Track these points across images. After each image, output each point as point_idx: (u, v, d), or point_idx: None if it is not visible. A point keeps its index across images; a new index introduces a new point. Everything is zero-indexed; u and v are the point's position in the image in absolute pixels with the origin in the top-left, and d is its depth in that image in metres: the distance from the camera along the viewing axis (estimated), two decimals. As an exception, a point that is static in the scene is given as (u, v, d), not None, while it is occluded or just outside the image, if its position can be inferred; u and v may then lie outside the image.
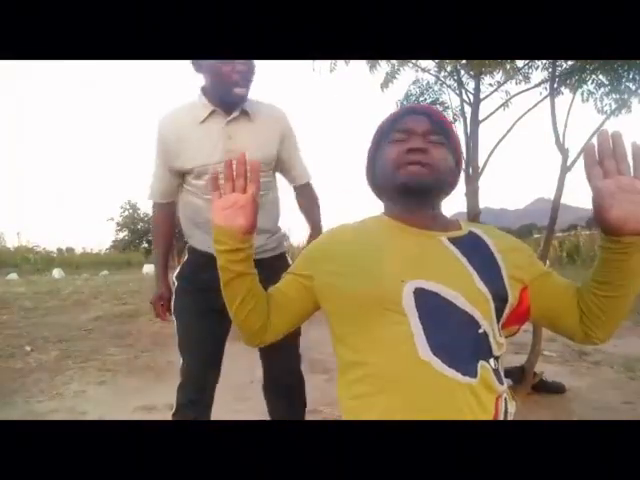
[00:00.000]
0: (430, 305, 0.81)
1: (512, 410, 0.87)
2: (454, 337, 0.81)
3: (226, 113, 1.55)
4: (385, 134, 0.98)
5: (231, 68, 1.45)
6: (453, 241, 0.90)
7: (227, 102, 1.54)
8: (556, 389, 2.91)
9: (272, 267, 1.42)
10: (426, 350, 0.79)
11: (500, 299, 0.85)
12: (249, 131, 1.58)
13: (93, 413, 2.69)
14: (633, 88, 3.11)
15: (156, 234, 1.81)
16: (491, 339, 0.84)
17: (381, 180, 0.98)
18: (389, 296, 0.83)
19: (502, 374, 0.88)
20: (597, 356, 3.52)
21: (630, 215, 0.76)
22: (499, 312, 0.85)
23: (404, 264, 0.86)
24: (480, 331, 0.82)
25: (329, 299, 0.92)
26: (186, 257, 1.71)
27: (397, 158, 0.91)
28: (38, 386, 3.17)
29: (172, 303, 1.69)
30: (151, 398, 2.89)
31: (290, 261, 1.68)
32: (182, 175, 1.62)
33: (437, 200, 0.97)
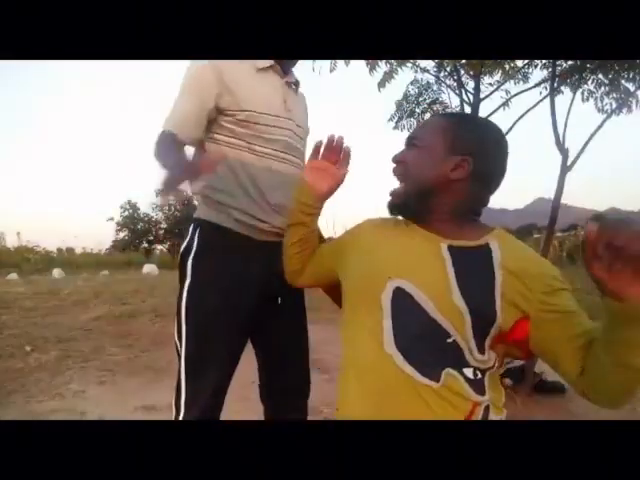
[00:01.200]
0: (403, 305, 0.86)
1: (496, 419, 0.86)
2: (419, 340, 0.84)
3: (281, 74, 1.44)
4: None
5: None
6: (453, 250, 0.88)
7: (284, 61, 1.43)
8: (556, 389, 2.92)
9: None
10: (391, 344, 0.85)
11: (483, 317, 0.82)
12: (297, 102, 1.51)
13: (93, 413, 2.69)
14: (632, 89, 3.11)
15: (164, 151, 1.27)
16: (465, 352, 0.84)
17: None
18: (373, 290, 0.90)
19: (487, 385, 0.86)
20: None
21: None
22: (482, 330, 0.83)
23: (396, 262, 0.91)
24: (449, 340, 0.83)
25: (343, 280, 1.03)
26: (200, 238, 1.38)
27: None
28: (38, 386, 3.17)
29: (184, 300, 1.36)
30: (151, 398, 2.89)
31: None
32: (220, 118, 1.35)
33: (442, 205, 0.93)
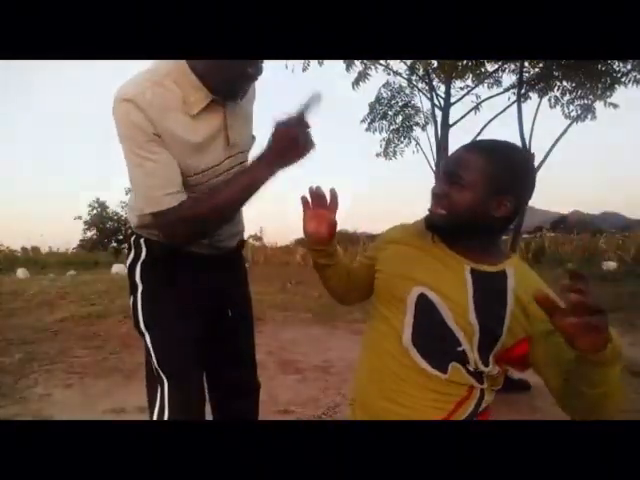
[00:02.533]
0: (425, 309, 0.99)
1: (489, 399, 1.02)
2: (433, 339, 0.98)
3: (225, 100, 1.25)
4: None
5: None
6: (474, 273, 0.98)
7: (235, 87, 1.24)
8: (521, 387, 3.00)
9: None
10: (408, 339, 1.00)
11: (491, 335, 0.95)
12: (242, 115, 1.35)
13: (60, 417, 2.62)
14: (598, 93, 3.23)
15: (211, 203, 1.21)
16: (471, 361, 0.97)
17: None
18: (400, 289, 1.03)
19: (485, 377, 1.00)
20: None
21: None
22: (488, 346, 0.96)
23: (425, 273, 1.02)
24: (459, 349, 0.97)
25: (377, 274, 1.13)
26: (147, 249, 1.38)
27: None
28: (1, 390, 3.07)
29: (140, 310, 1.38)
30: (120, 401, 2.84)
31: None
32: None
33: (476, 233, 1.01)
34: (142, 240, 1.39)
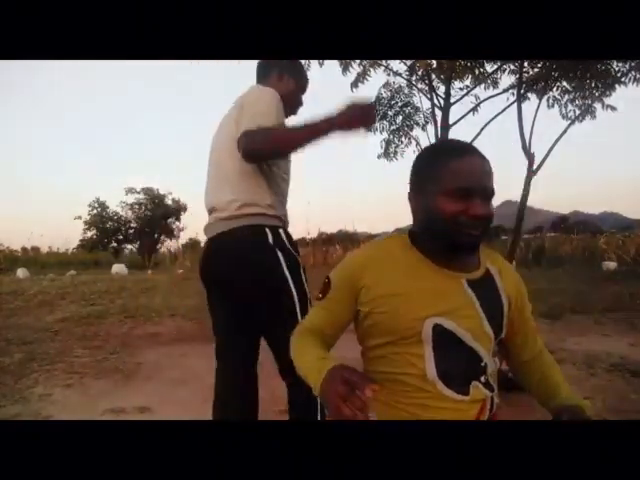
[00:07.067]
0: (444, 339, 0.95)
1: (498, 401, 1.03)
2: (457, 366, 0.96)
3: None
4: (435, 177, 0.95)
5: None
6: (471, 283, 0.99)
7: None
8: (521, 386, 3.00)
9: None
10: (432, 372, 0.94)
11: (497, 336, 1.00)
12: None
13: (59, 417, 2.62)
14: (596, 94, 3.23)
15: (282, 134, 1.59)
16: (488, 367, 0.99)
17: (429, 224, 0.98)
18: (412, 330, 0.95)
19: (491, 382, 1.01)
20: (560, 354, 3.64)
21: None
22: (494, 345, 1.01)
23: (427, 301, 0.96)
24: (482, 364, 0.98)
25: (362, 317, 1.02)
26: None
27: (455, 218, 0.92)
28: (0, 390, 3.07)
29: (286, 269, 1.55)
30: (120, 401, 2.83)
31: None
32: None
33: None
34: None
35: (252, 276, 1.55)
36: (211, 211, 1.66)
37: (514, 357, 1.13)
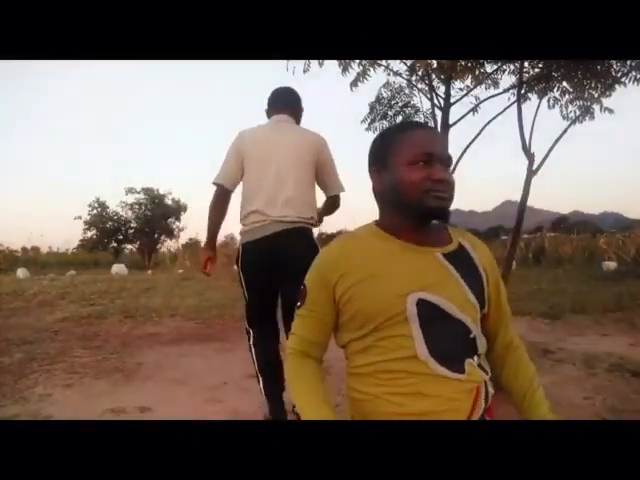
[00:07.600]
0: (430, 314, 0.94)
1: (492, 391, 1.01)
2: (449, 342, 0.95)
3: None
4: (396, 150, 1.01)
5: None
6: (447, 256, 1.00)
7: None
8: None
9: None
10: (424, 351, 0.93)
11: (482, 307, 1.01)
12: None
13: (59, 417, 2.62)
14: (596, 95, 3.23)
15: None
16: (477, 341, 0.99)
17: (396, 198, 1.01)
18: (395, 309, 0.94)
19: (484, 366, 1.02)
20: (560, 354, 3.64)
21: None
22: (479, 318, 1.01)
23: (407, 279, 0.96)
24: (471, 336, 0.98)
25: (343, 310, 1.02)
26: None
27: (421, 184, 0.96)
28: (0, 390, 3.06)
29: None
30: (120, 400, 2.83)
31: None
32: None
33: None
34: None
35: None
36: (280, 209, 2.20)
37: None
